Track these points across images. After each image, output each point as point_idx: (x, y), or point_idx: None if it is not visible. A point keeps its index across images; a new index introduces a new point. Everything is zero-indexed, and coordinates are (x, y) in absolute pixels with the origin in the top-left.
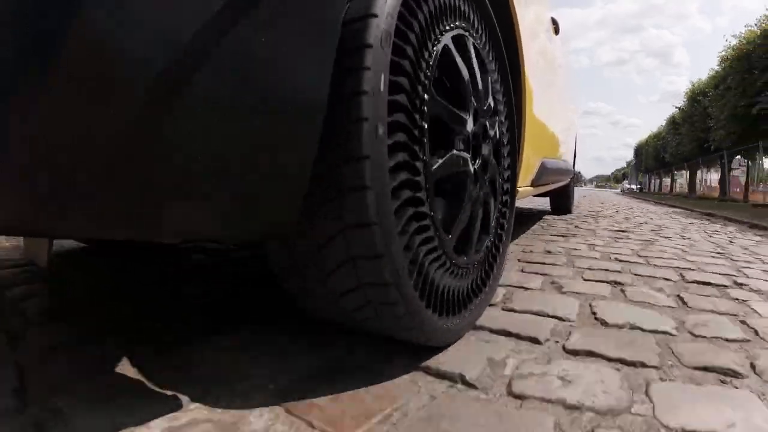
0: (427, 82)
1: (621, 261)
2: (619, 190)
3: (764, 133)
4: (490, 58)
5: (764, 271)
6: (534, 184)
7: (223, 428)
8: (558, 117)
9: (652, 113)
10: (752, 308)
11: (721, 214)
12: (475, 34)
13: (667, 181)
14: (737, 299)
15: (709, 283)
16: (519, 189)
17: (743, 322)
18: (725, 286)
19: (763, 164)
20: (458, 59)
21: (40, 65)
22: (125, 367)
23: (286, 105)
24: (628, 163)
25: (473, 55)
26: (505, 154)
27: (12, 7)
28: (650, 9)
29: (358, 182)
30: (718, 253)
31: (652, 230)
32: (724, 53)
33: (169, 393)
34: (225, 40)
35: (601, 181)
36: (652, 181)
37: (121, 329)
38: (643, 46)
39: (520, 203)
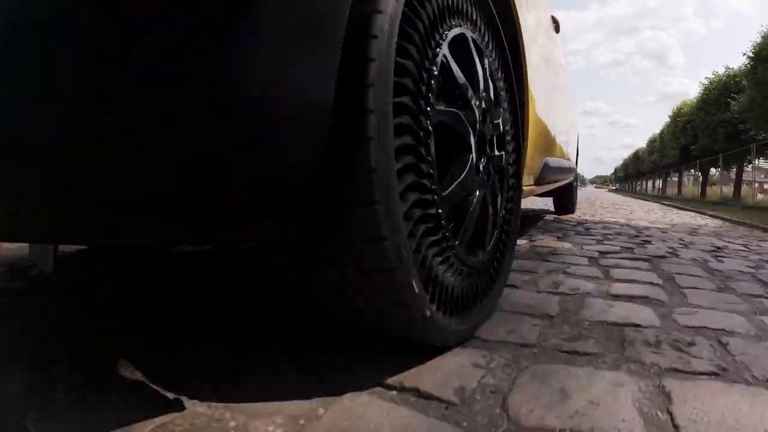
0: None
1: None
2: (607, 189)
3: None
4: (493, 56)
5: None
6: (538, 182)
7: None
8: (560, 115)
9: (648, 113)
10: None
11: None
12: (478, 35)
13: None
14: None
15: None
16: (524, 188)
17: None
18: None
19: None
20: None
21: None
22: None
23: (290, 106)
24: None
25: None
26: (511, 161)
27: None
28: (646, 11)
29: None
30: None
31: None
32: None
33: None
34: (226, 41)
35: (600, 182)
36: (626, 185)
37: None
38: (638, 47)
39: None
